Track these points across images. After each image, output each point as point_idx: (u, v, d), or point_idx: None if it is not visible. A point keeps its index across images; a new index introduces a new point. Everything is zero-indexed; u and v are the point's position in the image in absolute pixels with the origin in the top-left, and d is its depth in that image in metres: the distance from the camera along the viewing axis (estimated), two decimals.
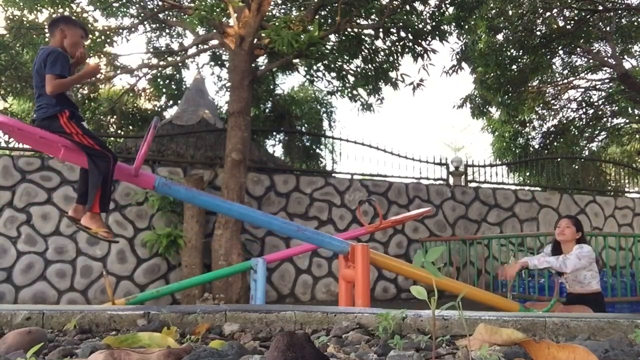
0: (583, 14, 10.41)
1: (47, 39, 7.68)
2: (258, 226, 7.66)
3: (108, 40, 8.09)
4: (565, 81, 13.34)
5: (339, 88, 9.65)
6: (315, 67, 9.96)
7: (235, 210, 3.91)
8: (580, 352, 0.98)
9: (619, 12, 10.73)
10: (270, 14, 9.17)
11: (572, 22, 10.72)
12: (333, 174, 9.16)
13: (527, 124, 14.14)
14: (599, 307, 4.02)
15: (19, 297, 6.53)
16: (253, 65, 7.52)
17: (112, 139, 10.55)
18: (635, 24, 10.94)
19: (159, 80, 11.28)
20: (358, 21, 8.12)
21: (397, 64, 8.36)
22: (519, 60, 10.67)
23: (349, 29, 7.96)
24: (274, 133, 11.90)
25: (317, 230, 4.71)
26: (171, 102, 11.98)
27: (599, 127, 14.46)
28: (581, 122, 14.14)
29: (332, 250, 4.05)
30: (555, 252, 4.29)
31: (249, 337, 1.52)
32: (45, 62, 2.96)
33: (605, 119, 14.34)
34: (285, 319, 1.66)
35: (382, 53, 8.41)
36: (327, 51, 7.96)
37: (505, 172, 11.18)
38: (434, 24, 7.88)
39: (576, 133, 13.84)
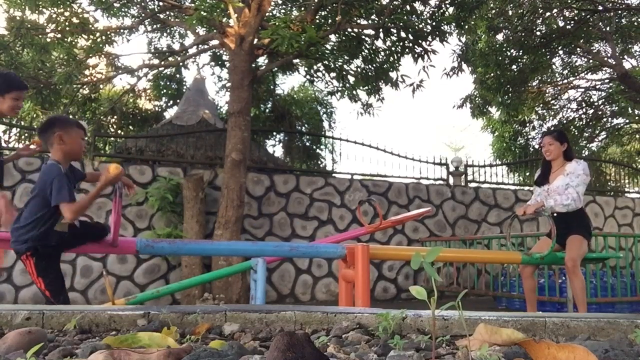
0: (583, 14, 10.40)
1: (47, 39, 7.68)
2: (258, 226, 7.67)
3: (108, 40, 8.09)
4: (565, 81, 13.34)
5: (339, 88, 9.65)
6: (315, 68, 9.96)
7: (223, 249, 4.29)
8: (580, 352, 0.98)
9: (619, 12, 10.73)
10: (270, 14, 9.17)
11: (572, 22, 10.71)
12: (333, 174, 9.16)
13: (527, 124, 14.14)
14: (583, 219, 4.09)
15: (19, 297, 6.53)
16: (253, 65, 7.52)
17: (112, 139, 10.56)
18: (635, 24, 10.93)
19: (159, 80, 11.29)
20: (358, 21, 8.11)
21: (397, 65, 8.35)
22: (519, 60, 10.65)
23: (349, 29, 7.96)
24: (274, 133, 11.92)
25: (310, 244, 4.83)
26: (171, 102, 12.00)
27: (599, 127, 14.46)
28: (581, 122, 14.13)
29: (329, 258, 4.12)
30: (544, 175, 4.24)
31: (249, 337, 1.52)
32: (51, 187, 2.85)
33: (605, 119, 14.33)
34: (285, 319, 1.66)
35: (382, 53, 8.40)
36: (327, 51, 7.94)
37: (505, 172, 11.19)
38: (434, 24, 7.87)
39: (576, 133, 13.83)
